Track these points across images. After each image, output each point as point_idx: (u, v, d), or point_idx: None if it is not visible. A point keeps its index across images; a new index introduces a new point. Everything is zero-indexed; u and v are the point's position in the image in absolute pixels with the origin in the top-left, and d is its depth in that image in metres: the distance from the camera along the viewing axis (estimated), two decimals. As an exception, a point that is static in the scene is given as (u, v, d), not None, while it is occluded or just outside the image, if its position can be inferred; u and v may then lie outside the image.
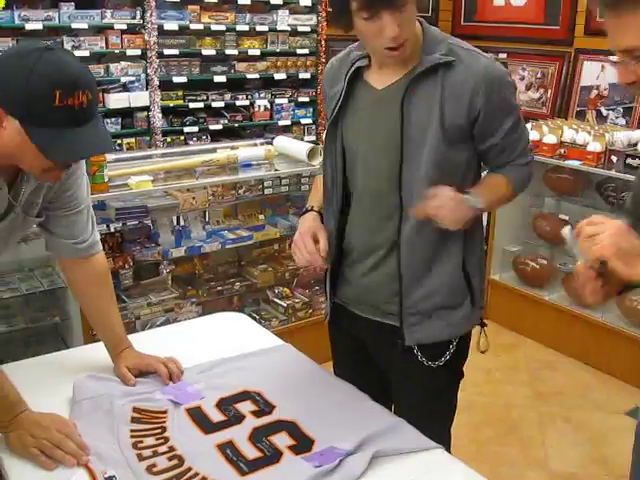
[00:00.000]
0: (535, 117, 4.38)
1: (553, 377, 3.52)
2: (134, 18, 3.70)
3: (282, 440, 1.52)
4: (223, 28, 4.00)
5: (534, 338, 3.90)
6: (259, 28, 4.15)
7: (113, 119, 3.77)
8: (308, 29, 4.33)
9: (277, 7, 4.21)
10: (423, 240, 1.65)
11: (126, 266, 3.04)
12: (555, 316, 3.78)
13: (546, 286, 3.92)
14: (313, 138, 4.47)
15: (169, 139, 4.02)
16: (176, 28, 3.84)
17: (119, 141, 3.82)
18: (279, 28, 4.21)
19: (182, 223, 3.32)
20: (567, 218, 3.83)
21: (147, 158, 3.52)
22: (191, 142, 4.10)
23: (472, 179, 1.71)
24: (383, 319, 1.76)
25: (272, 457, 1.46)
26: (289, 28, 4.25)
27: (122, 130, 3.85)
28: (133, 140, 3.89)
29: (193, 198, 3.13)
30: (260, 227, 3.46)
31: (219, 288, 3.37)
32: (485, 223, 3.87)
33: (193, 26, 3.90)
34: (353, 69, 1.66)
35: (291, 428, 1.56)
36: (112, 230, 3.08)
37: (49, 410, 1.55)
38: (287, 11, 4.21)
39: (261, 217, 3.51)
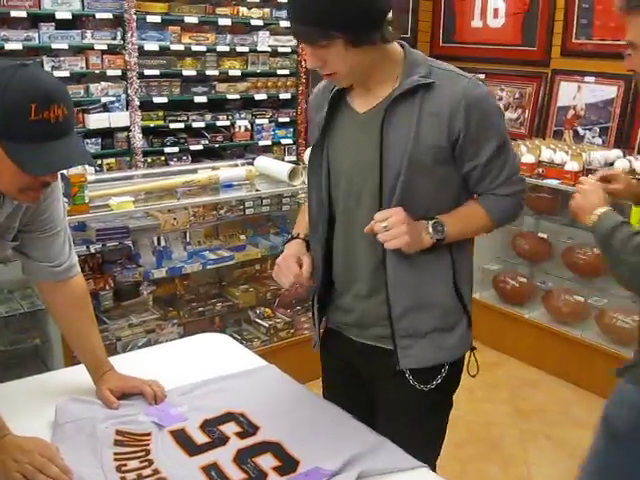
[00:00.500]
0: (513, 137, 4.44)
1: (534, 395, 3.54)
2: (114, 39, 3.71)
3: (267, 461, 1.51)
4: (204, 49, 4.03)
5: (515, 356, 3.93)
6: (239, 49, 4.17)
7: (93, 139, 3.77)
8: (289, 50, 4.37)
9: (258, 28, 4.24)
10: (409, 261, 1.62)
11: (107, 287, 3.02)
12: (535, 334, 3.81)
13: (526, 304, 3.95)
14: (294, 158, 4.49)
15: (150, 159, 4.01)
16: (157, 49, 3.86)
17: (99, 161, 3.81)
18: (259, 49, 4.25)
19: (163, 244, 3.32)
20: (546, 236, 3.88)
21: (128, 179, 3.52)
22: (172, 162, 4.10)
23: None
24: (376, 342, 1.73)
25: (257, 479, 1.45)
26: (269, 49, 4.28)
27: (102, 150, 3.85)
28: (113, 160, 3.88)
29: (174, 219, 3.13)
30: (241, 247, 3.47)
31: (200, 309, 3.36)
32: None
33: (174, 47, 3.92)
34: (334, 93, 1.65)
35: (276, 449, 1.55)
36: (92, 251, 3.07)
37: (31, 434, 1.52)
38: (267, 32, 4.25)
39: (242, 237, 3.51)
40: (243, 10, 4.11)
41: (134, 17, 3.69)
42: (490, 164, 1.60)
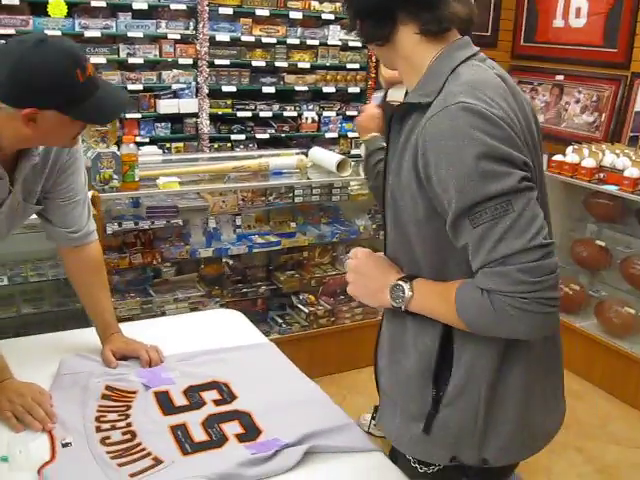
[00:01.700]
0: (589, 141, 4.31)
1: (574, 405, 3.45)
2: (187, 29, 3.89)
3: (232, 428, 1.60)
4: (274, 41, 4.15)
5: (562, 364, 3.83)
6: (310, 42, 4.27)
7: (163, 124, 3.97)
8: (359, 44, 4.42)
9: (328, 22, 4.32)
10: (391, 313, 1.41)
11: (154, 262, 3.20)
12: (584, 343, 3.71)
13: (578, 313, 3.85)
14: (359, 152, 4.54)
15: (216, 145, 4.18)
16: (228, 39, 4.01)
17: (168, 145, 4.02)
18: (330, 42, 4.33)
19: (214, 225, 3.47)
20: (604, 244, 3.76)
21: (193, 161, 3.71)
22: (238, 149, 4.26)
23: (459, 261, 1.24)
24: None
25: (217, 442, 1.55)
26: (340, 43, 4.35)
27: (171, 134, 4.05)
28: (182, 145, 4.08)
29: (223, 201, 3.27)
30: (291, 234, 3.57)
31: (244, 290, 3.50)
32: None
33: (244, 38, 4.06)
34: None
35: (244, 418, 1.64)
36: (145, 227, 3.26)
37: (36, 381, 1.69)
38: (338, 26, 4.32)
39: (292, 224, 3.61)
40: (314, 4, 4.20)
41: (207, 9, 3.86)
42: (458, 231, 1.18)
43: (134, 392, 1.75)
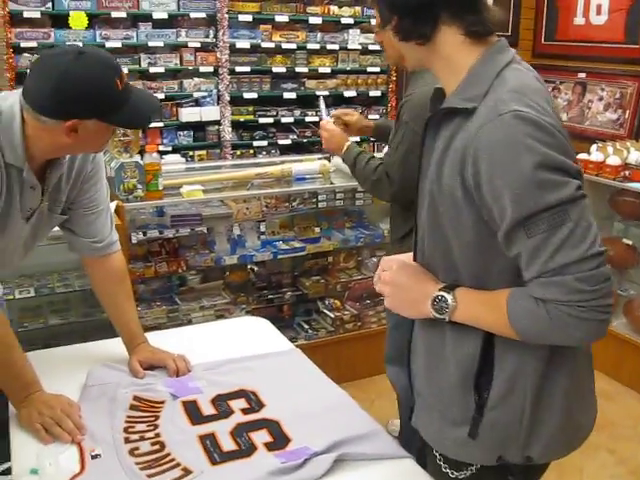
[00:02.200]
0: (613, 138, 4.26)
1: (606, 406, 3.40)
2: (207, 37, 3.91)
3: (261, 437, 1.60)
4: (294, 46, 4.16)
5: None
6: (330, 47, 4.27)
7: (185, 132, 4.00)
8: (379, 47, 4.41)
9: (348, 26, 4.32)
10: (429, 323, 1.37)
11: (179, 270, 3.21)
12: (614, 343, 3.66)
13: (607, 312, 3.79)
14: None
15: (239, 152, 4.20)
16: (248, 46, 4.03)
17: (190, 153, 4.04)
18: (350, 47, 4.32)
19: (238, 232, 3.47)
20: (631, 243, 3.71)
21: (216, 169, 3.72)
22: (260, 156, 4.26)
23: (501, 269, 1.24)
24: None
25: (246, 451, 1.54)
26: (360, 47, 4.35)
27: (194, 142, 4.07)
28: (204, 152, 4.10)
29: (247, 208, 3.28)
30: (316, 239, 3.55)
31: (270, 296, 3.49)
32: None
33: (265, 44, 4.08)
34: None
35: (273, 427, 1.64)
36: (170, 236, 3.28)
37: (65, 392, 1.70)
38: (358, 30, 4.32)
39: (317, 230, 3.59)
40: (334, 9, 4.20)
41: (226, 16, 3.88)
42: (512, 240, 1.16)
43: (162, 402, 1.75)
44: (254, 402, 1.76)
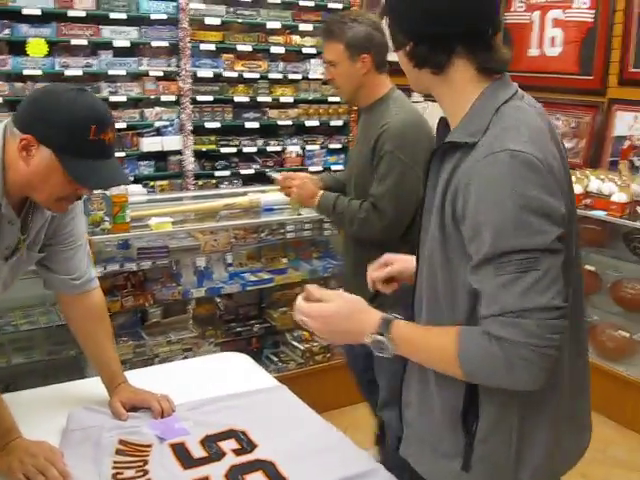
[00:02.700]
0: (569, 167, 4.36)
1: (575, 431, 3.43)
2: (169, 66, 3.86)
3: (256, 479, 1.54)
4: (257, 76, 4.14)
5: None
6: (292, 76, 4.26)
7: (146, 162, 3.91)
8: (340, 78, 4.43)
9: (310, 56, 4.33)
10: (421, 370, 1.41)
11: (146, 304, 3.12)
12: (580, 369, 3.70)
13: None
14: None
15: (201, 182, 4.13)
16: (210, 75, 3.99)
17: (152, 183, 3.95)
18: (311, 77, 4.33)
19: (205, 264, 3.40)
20: (594, 269, 3.78)
21: (178, 200, 3.66)
22: (223, 186, 4.21)
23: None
24: None
25: (243, 495, 1.49)
26: (321, 76, 4.35)
27: (155, 172, 3.99)
28: (166, 182, 4.02)
29: (215, 240, 3.22)
30: (283, 270, 3.51)
31: (238, 329, 3.43)
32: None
33: (227, 74, 4.04)
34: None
35: (268, 467, 1.58)
36: (135, 269, 3.19)
37: (43, 438, 1.61)
38: (320, 60, 4.32)
39: (284, 260, 3.56)
40: (295, 38, 4.21)
41: (189, 45, 3.84)
42: (478, 275, 1.19)
43: (149, 445, 1.67)
44: (245, 442, 1.70)
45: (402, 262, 1.59)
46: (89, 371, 2.80)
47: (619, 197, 3.44)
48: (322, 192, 2.53)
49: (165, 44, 3.81)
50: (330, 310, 1.34)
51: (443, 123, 1.40)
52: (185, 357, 3.21)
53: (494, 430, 1.29)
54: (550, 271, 1.14)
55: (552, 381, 1.26)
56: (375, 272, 1.62)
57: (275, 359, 3.47)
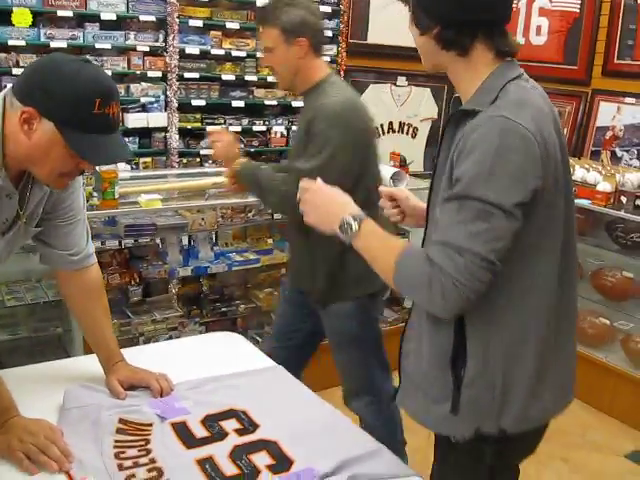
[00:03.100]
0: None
1: (554, 416, 3.49)
2: (157, 41, 3.78)
3: (261, 459, 1.54)
4: (244, 54, 4.08)
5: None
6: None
7: (131, 138, 3.84)
8: (328, 59, 4.38)
9: (298, 36, 4.28)
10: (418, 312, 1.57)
11: (132, 282, 3.09)
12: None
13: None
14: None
15: (185, 160, 4.07)
16: (197, 52, 3.92)
17: (136, 160, 3.89)
18: (299, 57, 4.28)
19: (191, 243, 3.37)
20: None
21: (162, 177, 3.61)
22: (207, 164, 4.15)
23: None
24: None
25: (249, 475, 1.48)
26: (309, 57, 4.31)
27: (139, 149, 3.92)
28: (150, 160, 3.95)
29: (202, 219, 3.19)
30: (269, 251, 3.50)
31: (223, 309, 3.41)
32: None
33: (214, 51, 3.97)
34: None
35: (272, 447, 1.58)
36: (121, 246, 3.15)
37: (40, 416, 1.58)
38: (307, 40, 4.29)
39: (269, 241, 3.54)
40: (284, 18, 4.16)
41: (177, 21, 3.76)
42: (444, 208, 1.36)
43: (150, 424, 1.66)
44: (247, 422, 1.69)
45: (410, 194, 1.79)
46: (74, 350, 2.78)
47: (604, 186, 3.48)
48: (241, 162, 2.45)
49: (153, 18, 3.73)
50: (328, 189, 1.55)
51: (457, 101, 1.53)
52: (170, 336, 3.19)
53: (480, 375, 1.42)
54: (498, 230, 1.29)
55: (538, 331, 1.43)
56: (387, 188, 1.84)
57: (260, 340, 3.46)
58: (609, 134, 4.30)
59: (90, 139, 1.41)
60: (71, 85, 1.38)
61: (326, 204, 1.54)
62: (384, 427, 2.52)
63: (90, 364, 1.88)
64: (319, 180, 1.59)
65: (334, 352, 2.58)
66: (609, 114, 4.30)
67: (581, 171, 3.69)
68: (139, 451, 1.55)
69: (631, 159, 4.16)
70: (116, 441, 1.57)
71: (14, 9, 3.36)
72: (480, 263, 1.28)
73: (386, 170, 3.47)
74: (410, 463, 2.23)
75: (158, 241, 3.24)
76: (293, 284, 2.65)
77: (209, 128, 2.66)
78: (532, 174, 1.30)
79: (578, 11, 4.45)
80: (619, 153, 4.23)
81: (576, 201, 3.48)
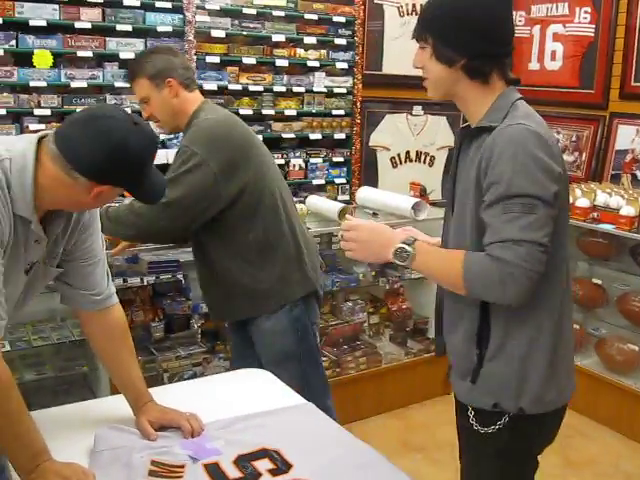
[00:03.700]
0: (570, 181, 4.37)
1: (585, 445, 3.42)
2: (175, 78, 3.82)
3: (297, 499, 1.51)
4: (261, 89, 4.11)
5: (567, 404, 3.81)
6: (296, 89, 4.24)
7: (152, 174, 3.87)
8: (344, 90, 4.42)
9: (314, 69, 4.31)
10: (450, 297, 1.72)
11: (156, 319, 3.08)
12: (588, 382, 3.69)
13: (579, 351, 3.84)
14: (347, 197, 4.50)
15: (205, 195, 4.08)
16: (215, 88, 3.96)
17: (158, 197, 3.90)
18: (315, 89, 4.31)
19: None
20: (600, 282, 3.78)
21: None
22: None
23: None
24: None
25: (285, 516, 1.45)
26: (325, 89, 4.34)
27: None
28: (170, 195, 3.96)
29: (224, 253, 3.17)
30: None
31: (247, 343, 3.38)
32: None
33: (232, 86, 4.01)
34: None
35: (307, 488, 1.55)
36: (144, 283, 3.15)
37: (70, 459, 1.57)
38: (323, 73, 4.31)
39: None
40: (300, 51, 4.19)
41: (194, 57, 3.81)
42: (491, 211, 1.53)
43: (182, 466, 1.64)
44: (280, 462, 1.66)
45: (413, 231, 1.87)
46: (101, 389, 2.76)
47: (627, 210, 3.45)
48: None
49: (171, 56, 3.78)
50: (369, 225, 1.70)
51: (463, 131, 1.75)
52: (194, 373, 3.17)
53: (500, 352, 1.61)
54: (544, 217, 1.48)
55: (555, 316, 1.62)
56: None
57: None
58: (629, 157, 4.27)
59: (149, 184, 1.54)
60: (139, 157, 1.47)
61: (374, 239, 1.67)
62: None
63: (119, 404, 1.86)
64: (357, 218, 1.75)
65: (267, 367, 2.39)
66: (628, 137, 4.27)
67: (603, 196, 3.65)
68: (173, 494, 1.52)
69: (652, 182, 4.13)
70: (149, 484, 1.55)
71: (35, 51, 3.41)
72: (538, 248, 1.46)
73: (407, 201, 3.47)
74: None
75: (181, 277, 3.23)
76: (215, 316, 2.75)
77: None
78: (556, 166, 1.51)
79: (593, 35, 4.45)
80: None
81: (600, 226, 3.52)
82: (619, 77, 4.31)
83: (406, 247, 1.60)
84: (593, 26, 4.44)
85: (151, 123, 2.43)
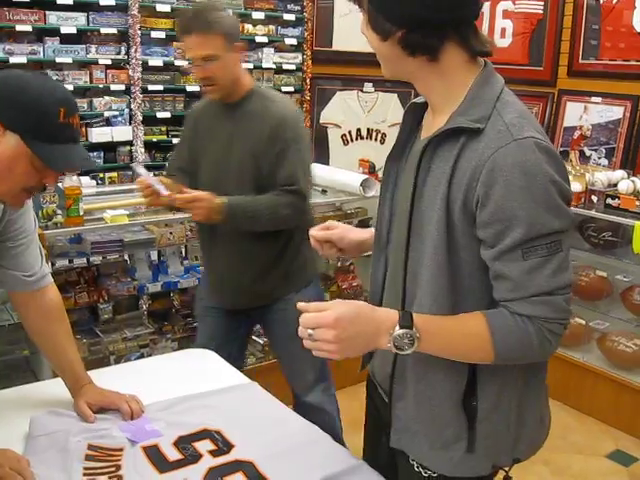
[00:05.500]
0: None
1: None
2: (119, 54, 3.73)
3: (238, 481, 1.49)
4: (208, 65, 4.03)
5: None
6: (244, 65, 4.16)
7: (95, 153, 3.78)
8: (293, 67, 4.37)
9: (263, 45, 4.25)
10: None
11: (101, 300, 3.01)
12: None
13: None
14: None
15: (152, 174, 4.00)
16: (161, 64, 3.87)
17: (101, 175, 3.82)
18: (264, 66, 4.25)
19: (160, 258, 3.31)
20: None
21: (128, 192, 3.53)
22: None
23: (477, 296, 1.30)
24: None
25: (226, 498, 1.43)
26: (274, 66, 4.29)
27: (105, 164, 3.86)
28: (115, 174, 3.89)
29: (170, 233, 3.12)
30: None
31: (195, 324, 3.33)
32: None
33: (178, 62, 3.93)
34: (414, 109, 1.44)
35: (247, 468, 1.53)
36: (88, 264, 3.08)
37: (5, 445, 1.51)
38: (272, 49, 4.26)
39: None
40: (248, 27, 4.12)
41: (139, 32, 3.72)
42: (505, 260, 1.21)
43: (120, 449, 1.59)
44: (221, 442, 1.64)
45: (343, 229, 1.61)
46: (43, 373, 2.69)
47: (574, 186, 3.48)
48: (224, 201, 2.27)
49: (114, 31, 3.68)
50: (336, 314, 1.22)
51: (413, 108, 1.42)
52: (142, 354, 3.11)
53: (495, 408, 1.33)
54: (567, 249, 1.21)
55: (540, 366, 1.38)
56: (319, 232, 1.62)
57: (234, 354, 3.40)
58: (577, 134, 4.32)
59: (57, 149, 1.40)
60: (36, 96, 1.37)
61: (359, 331, 1.24)
62: (338, 413, 2.49)
63: (58, 388, 1.80)
64: (329, 312, 1.24)
65: (292, 345, 2.39)
66: (576, 114, 4.32)
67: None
68: (110, 478, 1.48)
69: (599, 158, 4.18)
70: (85, 468, 1.51)
71: (-30, 25, 3.29)
72: (570, 290, 1.23)
73: (355, 177, 3.45)
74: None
75: (126, 257, 3.17)
76: (232, 300, 2.56)
77: (140, 169, 2.56)
78: (569, 187, 1.24)
79: (542, 12, 4.47)
80: (587, 152, 4.25)
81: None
82: (567, 54, 4.34)
83: (408, 332, 1.23)
84: (542, 3, 4.46)
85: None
